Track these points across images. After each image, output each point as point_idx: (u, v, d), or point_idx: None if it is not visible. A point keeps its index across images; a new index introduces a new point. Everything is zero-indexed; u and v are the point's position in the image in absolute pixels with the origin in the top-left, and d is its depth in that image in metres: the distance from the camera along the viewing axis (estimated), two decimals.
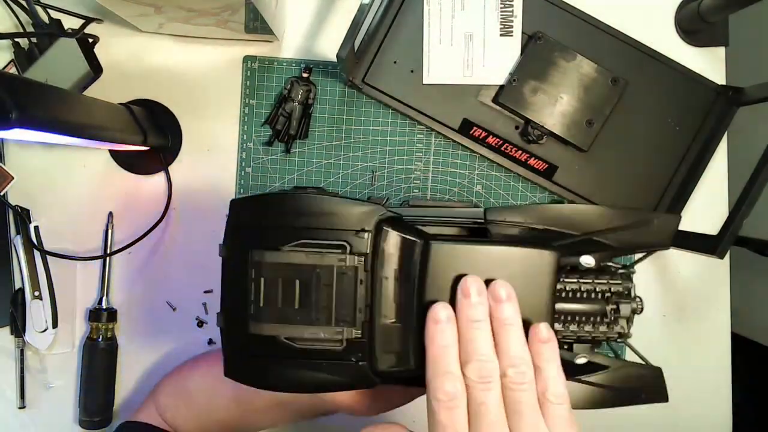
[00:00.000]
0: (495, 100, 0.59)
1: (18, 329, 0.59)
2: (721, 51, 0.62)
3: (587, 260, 0.34)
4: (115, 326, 0.61)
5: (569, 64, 0.58)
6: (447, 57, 0.59)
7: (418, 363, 0.33)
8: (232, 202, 0.35)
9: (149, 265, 0.61)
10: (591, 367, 0.36)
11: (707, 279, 0.62)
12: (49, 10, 0.55)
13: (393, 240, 0.33)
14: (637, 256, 0.43)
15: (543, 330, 0.31)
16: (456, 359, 0.30)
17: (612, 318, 0.35)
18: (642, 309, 0.36)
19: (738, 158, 0.61)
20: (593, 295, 0.36)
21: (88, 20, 0.55)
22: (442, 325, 0.30)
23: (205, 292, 0.62)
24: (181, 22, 0.55)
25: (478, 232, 0.37)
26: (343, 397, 0.41)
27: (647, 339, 0.62)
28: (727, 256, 0.51)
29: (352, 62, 0.56)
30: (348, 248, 0.33)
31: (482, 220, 0.36)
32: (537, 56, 0.58)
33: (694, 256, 0.53)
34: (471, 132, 0.60)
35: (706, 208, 0.61)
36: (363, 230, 0.33)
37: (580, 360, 0.34)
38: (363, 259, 0.33)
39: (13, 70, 0.58)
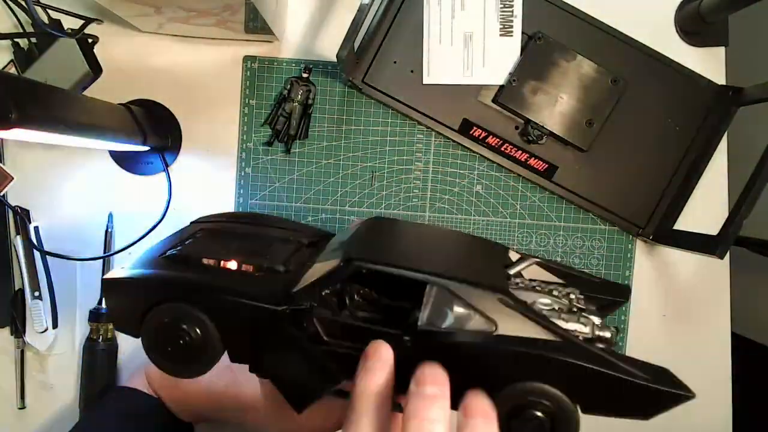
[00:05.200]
0: (495, 100, 0.59)
1: (18, 330, 0.59)
2: (721, 51, 0.62)
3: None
4: None
5: (569, 64, 0.58)
6: (447, 57, 0.59)
7: None
8: None
9: None
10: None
11: (707, 279, 0.62)
12: (48, 11, 0.54)
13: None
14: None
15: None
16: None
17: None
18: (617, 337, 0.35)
19: (738, 158, 0.61)
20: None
21: (88, 20, 0.55)
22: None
23: None
24: (181, 22, 0.55)
25: None
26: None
27: (647, 339, 0.62)
28: (727, 256, 0.50)
29: (352, 62, 0.56)
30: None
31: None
32: (537, 56, 0.58)
33: (694, 256, 0.53)
34: (471, 132, 0.60)
35: (706, 208, 0.61)
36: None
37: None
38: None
39: (12, 70, 0.58)
